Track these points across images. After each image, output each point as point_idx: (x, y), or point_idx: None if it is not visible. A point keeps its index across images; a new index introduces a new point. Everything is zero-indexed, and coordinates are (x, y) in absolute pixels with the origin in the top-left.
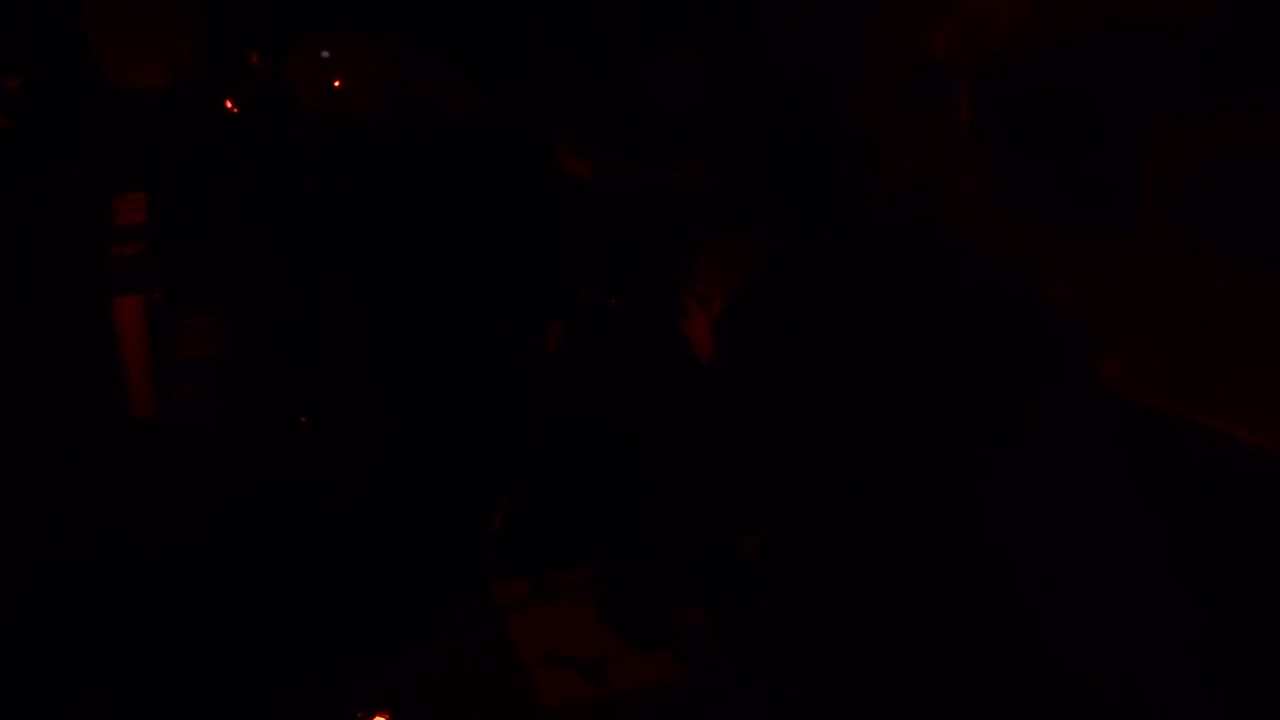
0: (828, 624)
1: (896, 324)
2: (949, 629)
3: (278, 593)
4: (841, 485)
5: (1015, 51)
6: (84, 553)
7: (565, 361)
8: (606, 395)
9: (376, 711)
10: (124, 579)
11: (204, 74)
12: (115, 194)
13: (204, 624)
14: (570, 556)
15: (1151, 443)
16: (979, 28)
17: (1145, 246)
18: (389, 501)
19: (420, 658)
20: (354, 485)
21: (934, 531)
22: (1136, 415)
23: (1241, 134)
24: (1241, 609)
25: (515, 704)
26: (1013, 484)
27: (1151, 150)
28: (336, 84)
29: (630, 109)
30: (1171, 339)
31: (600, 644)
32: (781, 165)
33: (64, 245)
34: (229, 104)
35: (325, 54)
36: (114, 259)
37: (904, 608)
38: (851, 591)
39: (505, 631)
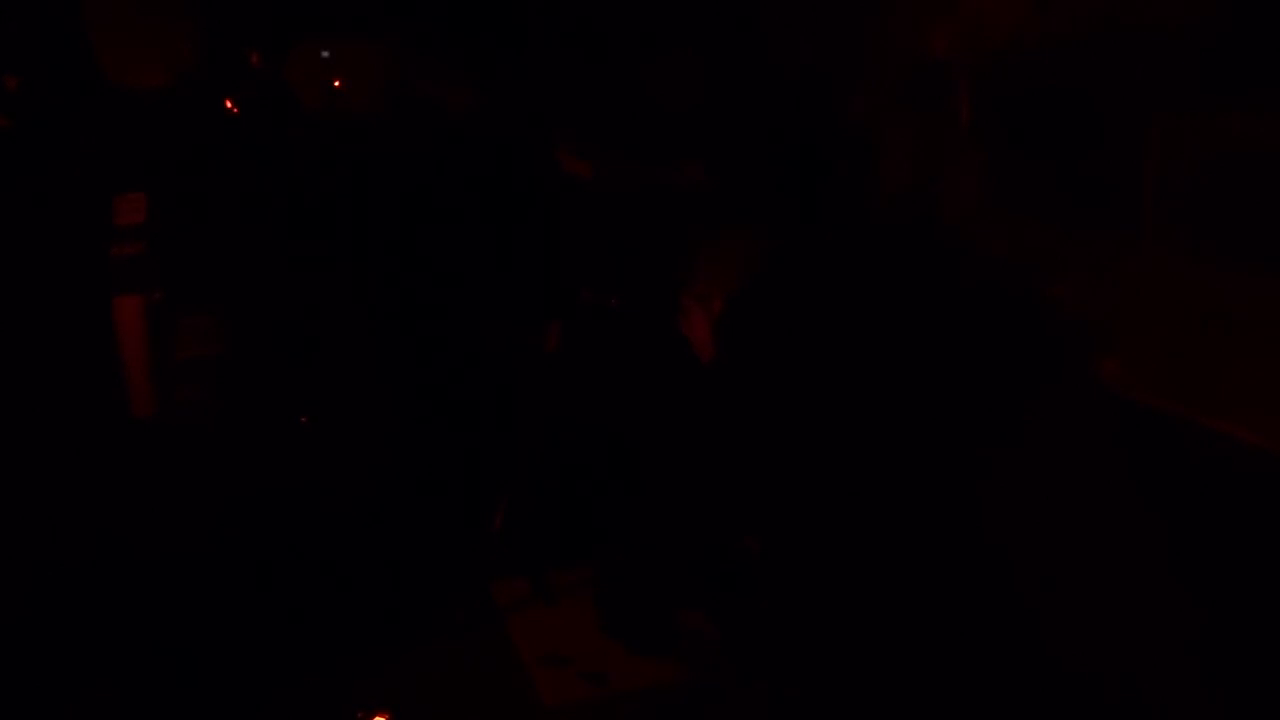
0: (828, 624)
1: (897, 324)
2: (949, 629)
3: (278, 593)
4: (841, 485)
5: (1015, 51)
6: (84, 553)
7: (565, 361)
8: (606, 395)
9: (376, 711)
10: (124, 579)
11: (204, 74)
12: (115, 194)
13: (204, 624)
14: (570, 556)
15: (1151, 443)
16: (979, 28)
17: (1145, 246)
18: (389, 501)
19: (420, 658)
20: (354, 485)
21: (934, 531)
22: (1136, 415)
23: (1241, 134)
24: (1241, 609)
25: (515, 704)
26: (1013, 484)
27: (1151, 150)
28: (336, 84)
29: (630, 109)
30: (1171, 339)
31: (600, 644)
32: (781, 165)
33: (64, 245)
34: (229, 104)
35: (325, 54)
36: (114, 259)
37: (904, 607)
38: (851, 591)
39: (505, 631)
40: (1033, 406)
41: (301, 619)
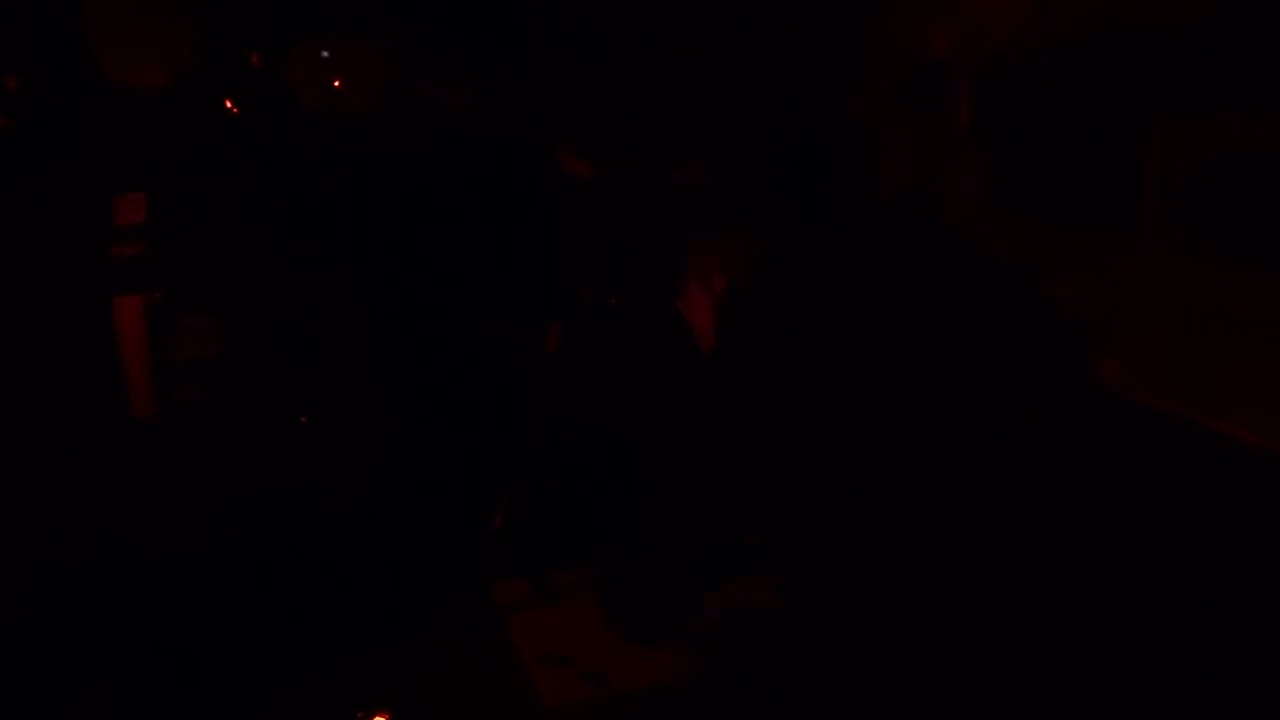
0: (827, 624)
1: (897, 324)
2: (949, 629)
3: (278, 593)
4: (841, 485)
5: (1015, 51)
6: (84, 553)
7: (565, 361)
8: (606, 395)
9: (376, 711)
10: (124, 579)
11: (204, 74)
12: (115, 194)
13: (204, 624)
14: (570, 556)
15: (1151, 443)
16: (979, 28)
17: (1145, 246)
18: (389, 501)
19: (420, 658)
20: (354, 485)
21: (934, 531)
22: (1136, 415)
23: (1241, 134)
24: (1241, 609)
25: (515, 704)
26: (1013, 484)
27: (1151, 150)
28: (336, 84)
29: (630, 109)
30: (1171, 339)
31: (600, 644)
32: (781, 165)
33: (64, 245)
34: (229, 104)
35: (325, 54)
36: (114, 259)
37: (904, 607)
38: (851, 591)
39: (505, 631)
40: (1033, 406)
41: (301, 619)
